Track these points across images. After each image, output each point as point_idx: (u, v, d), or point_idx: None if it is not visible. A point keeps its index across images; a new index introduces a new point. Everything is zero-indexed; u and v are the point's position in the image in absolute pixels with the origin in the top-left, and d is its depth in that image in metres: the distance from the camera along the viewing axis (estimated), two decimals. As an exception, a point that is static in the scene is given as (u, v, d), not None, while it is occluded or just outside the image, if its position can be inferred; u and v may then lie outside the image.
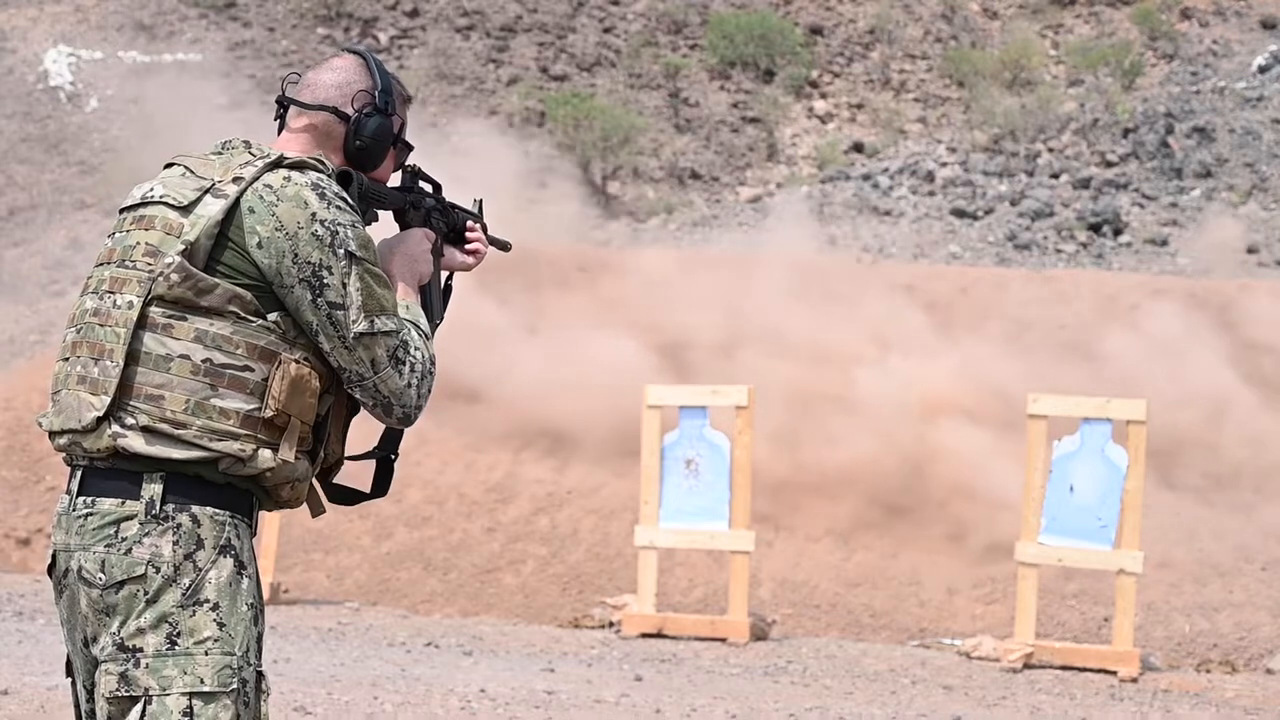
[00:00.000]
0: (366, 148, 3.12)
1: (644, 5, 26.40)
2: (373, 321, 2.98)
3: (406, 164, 3.32)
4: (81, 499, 2.96)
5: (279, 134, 3.19)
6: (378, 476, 3.28)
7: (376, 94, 3.14)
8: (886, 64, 26.00)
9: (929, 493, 12.06)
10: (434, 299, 3.29)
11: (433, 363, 3.10)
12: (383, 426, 3.20)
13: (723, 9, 26.26)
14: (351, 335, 2.97)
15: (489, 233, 3.45)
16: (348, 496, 3.28)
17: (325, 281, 2.95)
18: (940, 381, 12.96)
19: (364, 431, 3.26)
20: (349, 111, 3.12)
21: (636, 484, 10.22)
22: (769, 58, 25.46)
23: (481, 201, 3.50)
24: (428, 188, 3.34)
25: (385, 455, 3.26)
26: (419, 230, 3.26)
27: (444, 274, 3.37)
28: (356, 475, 3.31)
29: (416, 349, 3.05)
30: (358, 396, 3.03)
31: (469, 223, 3.39)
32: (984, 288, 15.79)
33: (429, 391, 3.09)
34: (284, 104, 3.18)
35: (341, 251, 2.96)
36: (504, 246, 3.54)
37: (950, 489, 11.94)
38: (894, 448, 12.22)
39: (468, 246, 3.38)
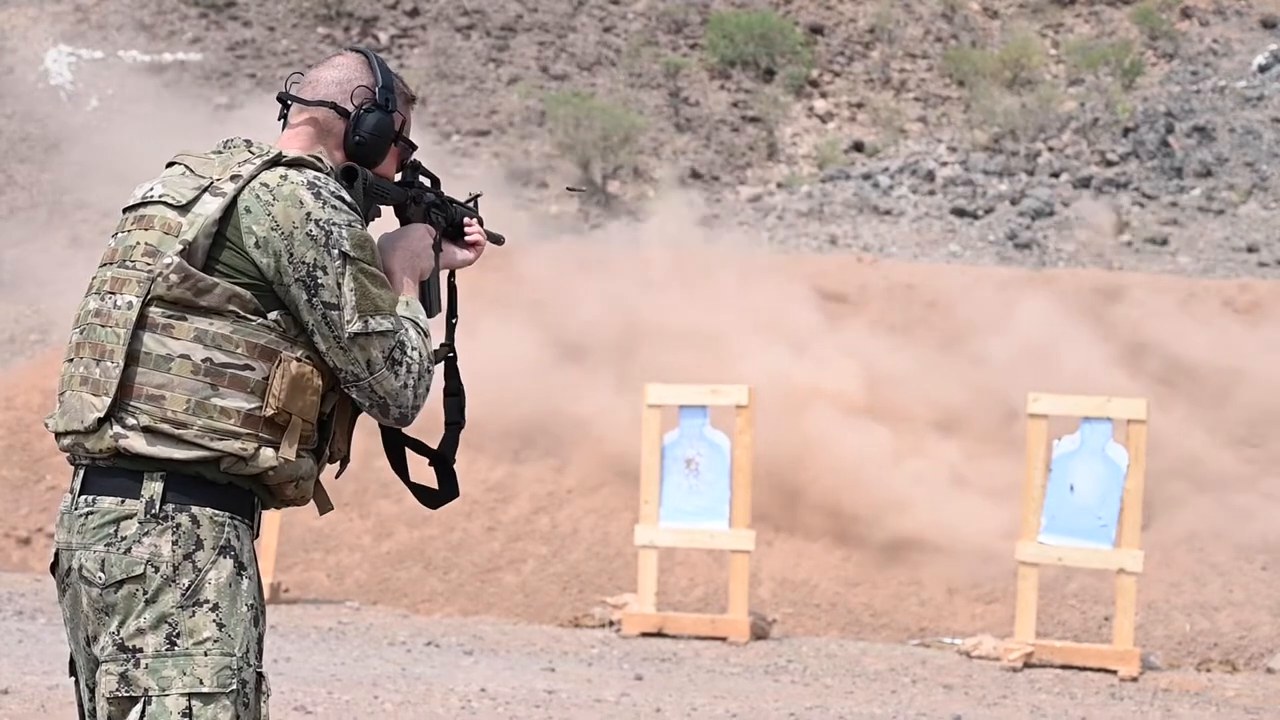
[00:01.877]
0: (366, 143, 3.12)
1: (644, 5, 26.40)
2: (367, 322, 2.97)
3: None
4: (83, 497, 2.96)
5: (282, 131, 3.19)
6: (442, 481, 3.29)
7: (377, 90, 3.14)
8: (887, 63, 26.01)
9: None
10: (433, 294, 3.29)
11: (430, 360, 3.09)
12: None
13: (723, 8, 26.27)
14: (346, 335, 2.96)
15: (484, 227, 3.46)
16: (428, 496, 3.29)
17: (320, 281, 2.94)
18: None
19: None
20: (349, 108, 3.12)
21: (636, 483, 10.22)
22: (769, 57, 25.46)
23: (478, 196, 3.50)
24: (426, 182, 3.34)
25: (444, 458, 3.27)
26: (420, 225, 3.26)
27: (444, 271, 3.37)
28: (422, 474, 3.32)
29: (414, 349, 3.04)
30: (354, 397, 3.03)
31: (466, 218, 3.39)
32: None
33: (426, 391, 3.08)
34: (286, 101, 3.18)
35: (336, 252, 2.95)
36: (498, 240, 3.55)
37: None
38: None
39: (467, 238, 3.38)
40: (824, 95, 25.66)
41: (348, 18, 25.01)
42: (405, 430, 3.23)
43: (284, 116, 3.20)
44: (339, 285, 2.95)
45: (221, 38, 24.18)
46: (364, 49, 3.24)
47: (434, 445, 3.30)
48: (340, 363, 2.99)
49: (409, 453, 3.30)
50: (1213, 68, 25.17)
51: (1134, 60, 25.01)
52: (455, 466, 3.30)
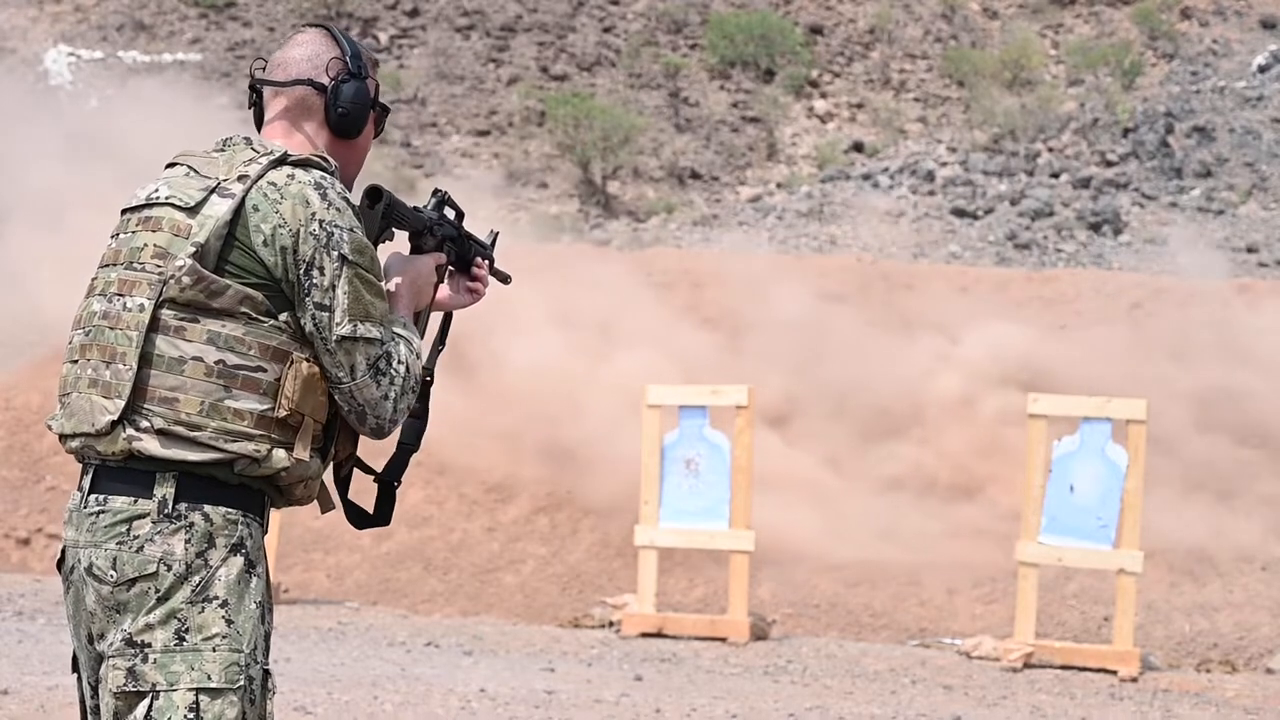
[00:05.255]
0: (348, 114, 3.10)
1: (644, 5, 26.41)
2: (356, 327, 2.97)
3: (436, 189, 3.33)
4: (93, 496, 2.96)
5: (257, 120, 3.17)
6: (381, 502, 3.27)
7: (348, 59, 3.12)
8: (886, 64, 26.01)
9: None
10: (421, 324, 3.26)
11: (418, 381, 3.08)
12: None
13: (723, 9, 26.27)
14: (334, 338, 2.96)
15: (495, 265, 3.44)
16: (359, 517, 3.28)
17: (314, 281, 2.94)
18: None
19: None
20: (324, 81, 3.10)
21: (637, 484, 10.23)
22: (769, 57, 25.47)
23: (497, 234, 3.49)
24: (451, 215, 3.33)
25: (389, 480, 3.25)
26: (429, 258, 3.24)
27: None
28: (359, 495, 3.30)
29: (400, 363, 3.03)
30: (336, 400, 3.01)
31: (478, 259, 3.37)
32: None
33: (408, 408, 3.07)
34: (256, 89, 3.17)
35: (335, 254, 2.95)
36: (505, 279, 3.54)
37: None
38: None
39: (469, 284, 3.36)
40: (824, 95, 25.67)
41: (348, 18, 25.02)
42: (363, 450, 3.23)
43: (255, 104, 3.18)
44: (333, 287, 2.95)
45: (221, 38, 24.20)
46: (322, 22, 3.22)
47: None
48: (326, 364, 2.98)
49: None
50: (1212, 68, 25.18)
51: (1134, 60, 25.02)
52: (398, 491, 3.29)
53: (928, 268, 17.20)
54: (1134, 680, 8.76)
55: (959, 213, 21.72)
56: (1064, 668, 8.95)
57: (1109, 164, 22.93)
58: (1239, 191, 22.18)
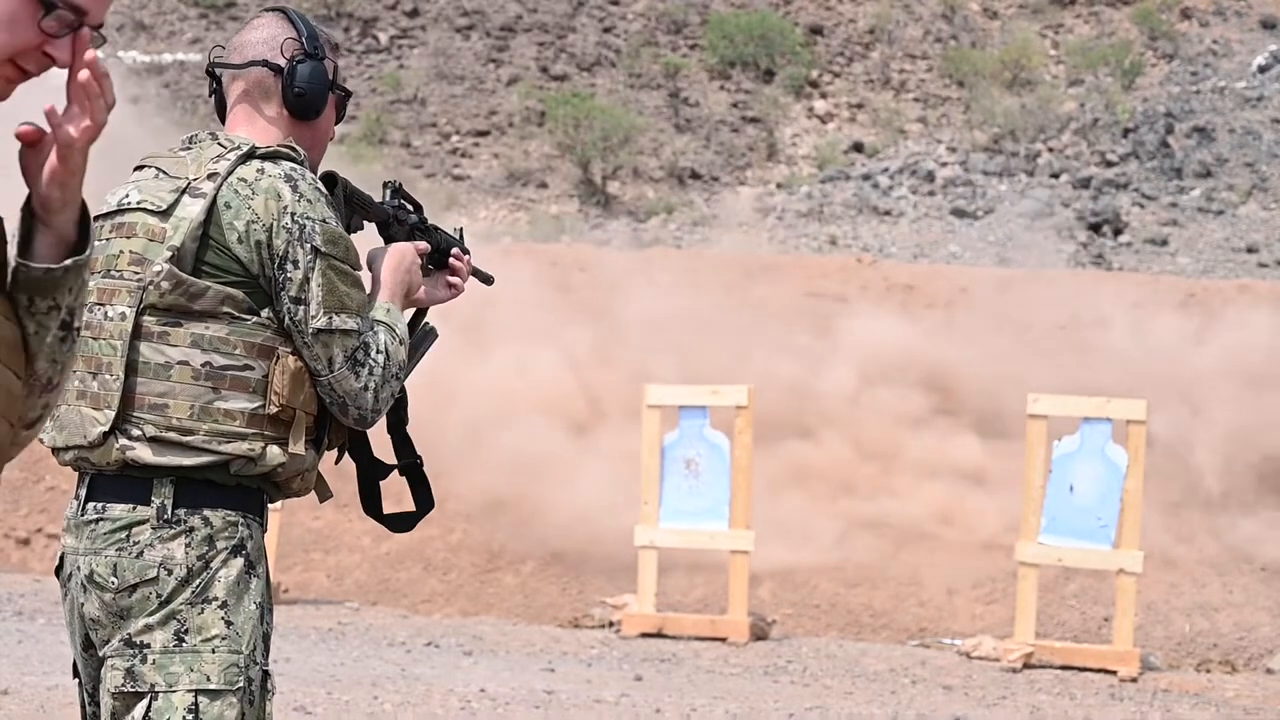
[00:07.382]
0: (305, 94, 3.06)
1: (644, 5, 26.41)
2: (331, 319, 2.94)
3: (388, 181, 3.30)
4: (91, 504, 2.96)
5: (219, 108, 3.14)
6: (415, 489, 3.25)
7: (304, 39, 3.08)
8: (886, 64, 26.02)
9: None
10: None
11: (400, 368, 3.05)
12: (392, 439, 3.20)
13: (723, 9, 26.28)
14: (310, 331, 2.94)
15: (471, 263, 3.39)
16: (401, 522, 3.26)
17: (288, 275, 2.93)
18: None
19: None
20: (280, 62, 3.06)
21: (637, 484, 10.23)
22: (769, 58, 25.48)
23: (462, 230, 3.45)
24: (409, 207, 3.29)
25: (412, 462, 3.23)
26: (410, 245, 3.20)
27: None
28: (388, 495, 3.27)
29: (379, 352, 3.00)
30: (319, 392, 2.99)
31: (455, 250, 3.33)
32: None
33: (391, 397, 3.04)
34: (214, 75, 3.14)
35: (307, 246, 2.93)
36: (487, 280, 3.49)
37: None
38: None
39: (448, 279, 3.32)
40: (824, 96, 25.67)
41: (348, 18, 25.02)
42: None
43: (215, 92, 3.15)
44: (307, 280, 2.93)
45: (221, 38, 24.15)
46: (280, 6, 3.20)
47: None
48: (305, 357, 2.97)
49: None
50: (1212, 68, 25.19)
51: (1134, 61, 25.04)
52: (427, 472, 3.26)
53: (928, 268, 17.20)
54: (1134, 680, 8.76)
55: (959, 213, 21.73)
56: (1064, 668, 8.95)
57: (1109, 164, 22.94)
58: (1239, 191, 22.19)
